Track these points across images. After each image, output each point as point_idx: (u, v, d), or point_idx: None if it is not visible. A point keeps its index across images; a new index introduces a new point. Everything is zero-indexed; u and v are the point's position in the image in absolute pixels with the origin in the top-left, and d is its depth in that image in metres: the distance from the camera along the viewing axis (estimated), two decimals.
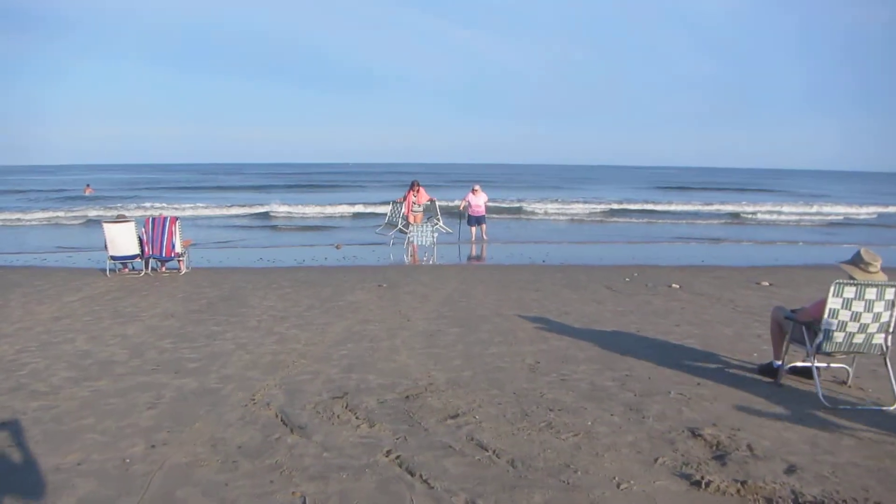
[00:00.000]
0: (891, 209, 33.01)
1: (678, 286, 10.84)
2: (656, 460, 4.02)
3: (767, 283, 11.14)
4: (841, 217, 29.93)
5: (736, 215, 29.47)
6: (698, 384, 5.57)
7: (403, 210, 16.10)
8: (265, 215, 26.83)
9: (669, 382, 5.60)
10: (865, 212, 31.99)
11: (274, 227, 23.47)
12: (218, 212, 27.97)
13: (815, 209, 32.12)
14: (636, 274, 12.12)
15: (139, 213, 24.67)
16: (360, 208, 28.46)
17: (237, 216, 27.05)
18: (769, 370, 5.84)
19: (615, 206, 31.26)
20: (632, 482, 3.73)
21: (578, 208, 30.51)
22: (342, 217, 26.87)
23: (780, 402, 5.16)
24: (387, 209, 17.95)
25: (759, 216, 29.57)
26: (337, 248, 16.78)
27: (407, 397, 5.15)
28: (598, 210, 30.30)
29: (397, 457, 4.03)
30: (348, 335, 7.26)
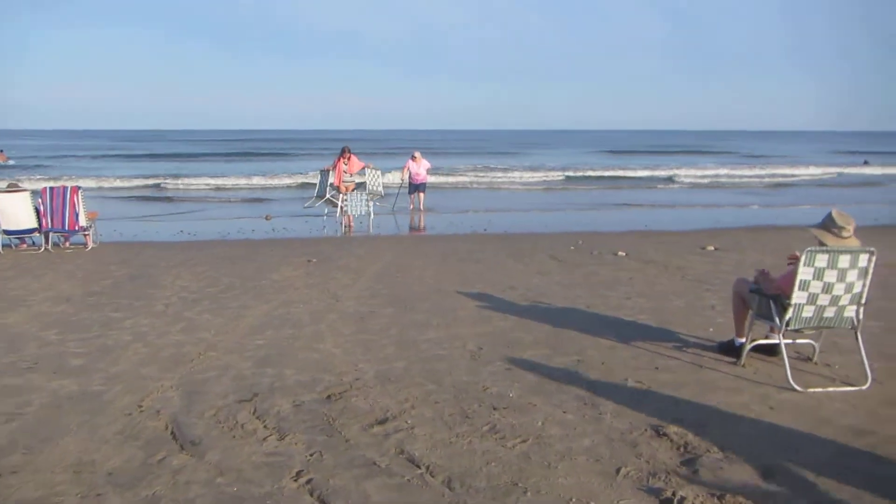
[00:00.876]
0: (833, 169, 33.77)
1: (624, 253, 10.37)
2: (618, 471, 3.41)
3: (713, 248, 10.78)
4: (789, 178, 30.33)
5: (671, 179, 29.48)
6: (656, 368, 5.01)
7: (333, 179, 14.99)
8: (157, 187, 24.89)
9: (625, 368, 5.01)
10: (809, 173, 32.60)
11: (193, 199, 22.03)
12: (106, 184, 25.49)
13: (755, 171, 32.52)
14: (581, 242, 11.60)
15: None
16: (292, 180, 27.06)
17: (125, 188, 24.78)
18: (730, 348, 5.34)
19: (560, 173, 30.87)
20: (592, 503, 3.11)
21: (523, 175, 30.00)
22: (276, 188, 25.48)
23: (746, 387, 4.64)
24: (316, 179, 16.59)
25: (700, 178, 29.68)
26: (266, 219, 15.74)
27: (328, 397, 4.41)
28: (543, 177, 29.84)
29: (308, 481, 3.29)
30: (268, 320, 6.43)
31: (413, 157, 16.37)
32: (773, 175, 31.36)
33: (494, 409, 4.20)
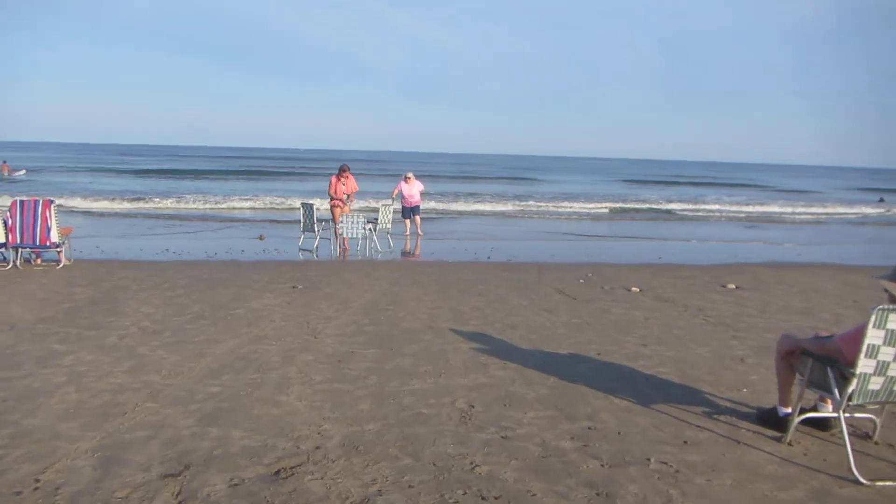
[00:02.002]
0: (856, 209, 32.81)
1: (638, 290, 9.51)
2: None
3: (734, 286, 9.90)
4: (815, 215, 29.35)
5: (675, 212, 28.59)
6: (685, 443, 4.12)
7: (329, 197, 13.83)
8: (150, 201, 23.94)
9: (646, 441, 4.12)
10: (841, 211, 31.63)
11: (177, 217, 21.31)
12: (95, 203, 23.36)
13: (752, 208, 31.61)
14: (591, 274, 10.74)
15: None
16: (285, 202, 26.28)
17: (122, 205, 23.11)
18: (773, 420, 4.44)
19: (572, 202, 30.04)
20: None
21: (572, 205, 28.97)
22: (277, 209, 24.75)
23: (797, 475, 3.74)
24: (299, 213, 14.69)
25: (711, 212, 28.78)
26: (260, 238, 14.96)
27: (277, 472, 3.54)
28: (551, 205, 29.01)
29: None
30: (231, 360, 5.57)
31: (405, 179, 15.43)
32: (800, 212, 30.31)
33: (483, 498, 3.31)
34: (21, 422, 4.14)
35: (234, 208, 23.65)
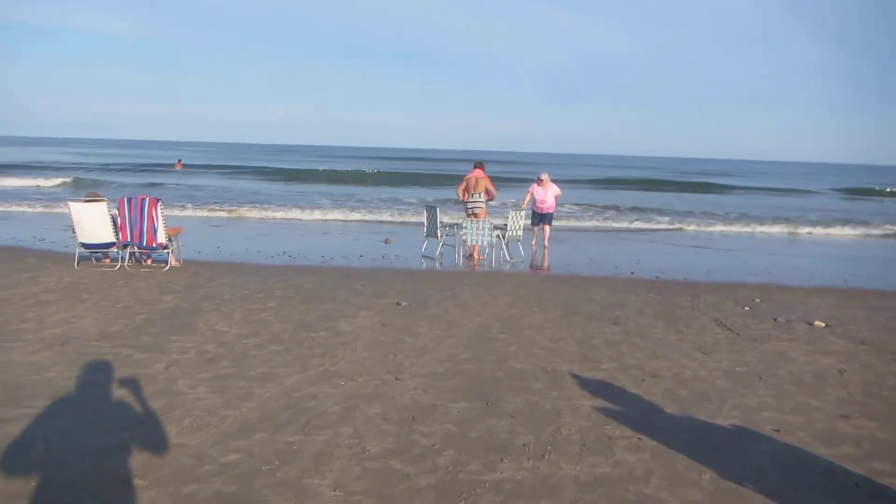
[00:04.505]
0: None
1: (823, 324, 7.40)
2: None
3: None
4: None
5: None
6: None
7: (459, 194, 12.37)
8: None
9: None
10: None
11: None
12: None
13: None
14: (758, 300, 8.66)
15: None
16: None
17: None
18: None
19: (732, 209, 26.89)
20: None
21: (679, 208, 26.32)
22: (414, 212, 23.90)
23: None
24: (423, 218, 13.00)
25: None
26: (386, 242, 14.01)
27: None
28: (710, 209, 26.05)
29: None
30: (277, 409, 4.39)
31: (539, 181, 13.41)
32: None
33: None
34: None
35: (361, 207, 22.98)
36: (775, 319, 7.58)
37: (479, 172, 12.18)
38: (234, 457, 3.64)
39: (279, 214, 19.03)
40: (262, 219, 18.23)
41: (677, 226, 19.09)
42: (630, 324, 7.16)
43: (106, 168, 41.98)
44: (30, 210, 18.62)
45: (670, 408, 4.65)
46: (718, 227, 19.04)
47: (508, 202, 19.95)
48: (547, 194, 13.27)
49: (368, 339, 6.20)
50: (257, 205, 20.90)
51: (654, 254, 13.76)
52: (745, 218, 21.01)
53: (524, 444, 3.93)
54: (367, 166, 45.55)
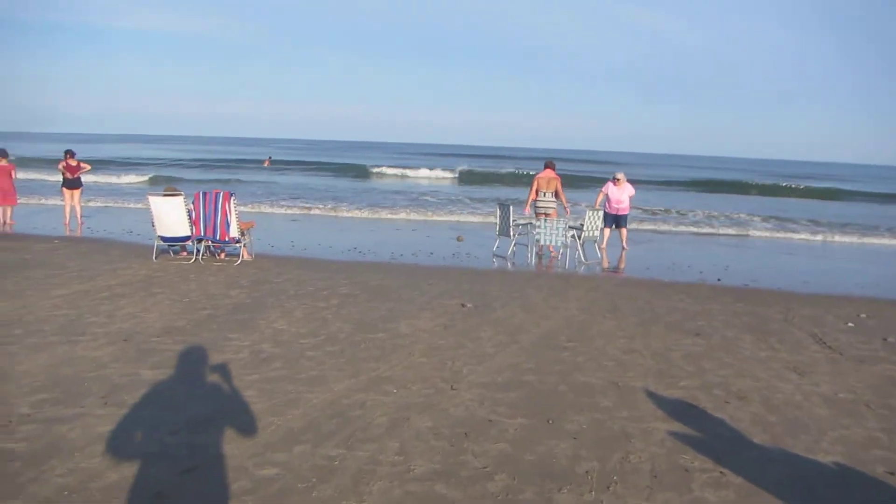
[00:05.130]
0: None
1: None
2: None
3: None
4: None
5: None
6: None
7: (530, 197, 12.07)
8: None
9: None
10: None
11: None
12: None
13: None
14: (864, 315, 7.83)
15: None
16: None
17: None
18: None
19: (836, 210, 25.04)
20: None
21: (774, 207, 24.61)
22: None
23: None
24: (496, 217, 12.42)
25: None
26: (458, 240, 13.72)
27: None
28: (809, 206, 24.39)
29: None
30: (324, 417, 4.14)
31: (615, 180, 12.63)
32: None
33: None
34: None
35: (438, 201, 22.72)
36: (885, 339, 6.78)
37: (549, 172, 11.99)
38: (271, 471, 3.40)
39: (351, 214, 19.02)
40: (336, 217, 18.28)
41: (771, 231, 17.86)
42: (714, 336, 6.56)
43: (198, 164, 43.48)
44: (129, 205, 19.36)
45: (759, 437, 4.11)
46: (818, 236, 17.67)
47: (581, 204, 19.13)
48: (623, 194, 12.57)
49: (427, 342, 5.89)
50: (330, 203, 21.05)
51: (745, 260, 12.87)
52: (849, 226, 19.39)
53: (587, 472, 3.51)
54: (442, 165, 45.28)
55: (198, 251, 9.92)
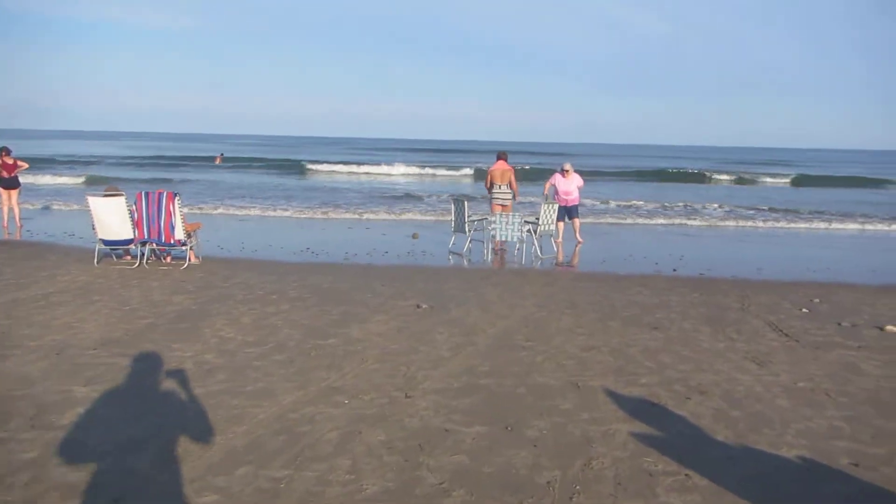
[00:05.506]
0: None
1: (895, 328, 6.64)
2: None
3: None
4: None
5: None
6: None
7: (486, 183, 12.05)
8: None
9: None
10: None
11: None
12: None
13: None
14: (818, 300, 7.90)
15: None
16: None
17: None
18: None
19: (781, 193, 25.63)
20: None
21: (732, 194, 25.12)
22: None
23: None
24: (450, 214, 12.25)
25: None
26: (414, 237, 13.49)
27: None
28: (762, 194, 24.89)
29: None
30: (268, 436, 3.88)
31: (563, 171, 12.33)
32: None
33: None
34: None
35: (390, 201, 22.44)
36: (839, 324, 6.83)
37: (502, 164, 11.98)
38: (210, 498, 3.14)
39: (303, 213, 18.62)
40: (288, 216, 17.85)
41: (723, 220, 18.10)
42: (672, 329, 6.50)
43: (147, 162, 42.10)
44: (72, 207, 18.57)
45: (722, 434, 4.01)
46: (770, 223, 17.99)
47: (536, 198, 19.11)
48: (571, 185, 12.31)
49: (381, 347, 5.67)
50: (282, 201, 20.58)
51: (699, 249, 12.97)
52: (799, 212, 19.80)
53: (548, 483, 3.35)
54: (401, 159, 44.96)
55: (142, 255, 9.49)
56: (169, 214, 9.26)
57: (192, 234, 9.67)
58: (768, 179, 37.59)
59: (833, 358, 5.65)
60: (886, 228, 17.44)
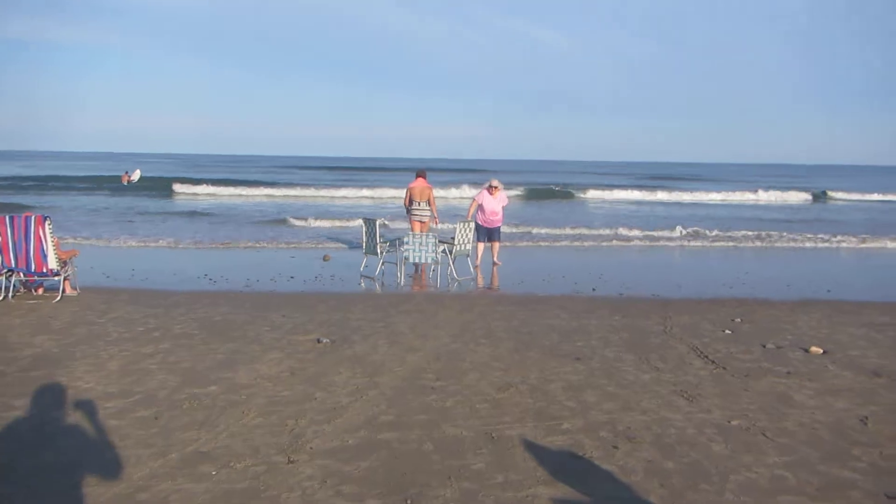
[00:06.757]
0: None
1: (821, 350, 6.40)
2: None
3: None
4: None
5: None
6: None
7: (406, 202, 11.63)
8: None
9: None
10: None
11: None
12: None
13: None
14: (739, 319, 7.65)
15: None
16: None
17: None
18: None
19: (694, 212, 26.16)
20: None
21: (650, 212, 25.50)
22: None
23: None
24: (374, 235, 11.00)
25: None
26: (325, 259, 12.66)
27: None
28: (677, 213, 25.32)
29: None
30: None
31: (490, 188, 11.47)
32: None
33: None
34: None
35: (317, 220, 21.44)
36: (764, 346, 6.54)
37: (422, 182, 11.62)
38: None
39: (205, 236, 17.46)
40: (188, 239, 16.66)
41: (639, 236, 18.09)
42: (595, 359, 6.01)
43: (29, 184, 39.13)
44: None
45: (656, 494, 3.48)
46: (687, 241, 18.12)
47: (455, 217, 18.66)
48: (498, 205, 11.53)
49: (268, 394, 4.91)
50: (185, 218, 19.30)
51: (617, 266, 12.68)
52: (711, 226, 20.14)
53: None
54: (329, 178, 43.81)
55: (7, 287, 8.32)
56: (39, 240, 8.17)
57: (67, 262, 8.58)
58: (673, 192, 38.55)
59: (764, 387, 5.28)
60: (795, 245, 17.85)
